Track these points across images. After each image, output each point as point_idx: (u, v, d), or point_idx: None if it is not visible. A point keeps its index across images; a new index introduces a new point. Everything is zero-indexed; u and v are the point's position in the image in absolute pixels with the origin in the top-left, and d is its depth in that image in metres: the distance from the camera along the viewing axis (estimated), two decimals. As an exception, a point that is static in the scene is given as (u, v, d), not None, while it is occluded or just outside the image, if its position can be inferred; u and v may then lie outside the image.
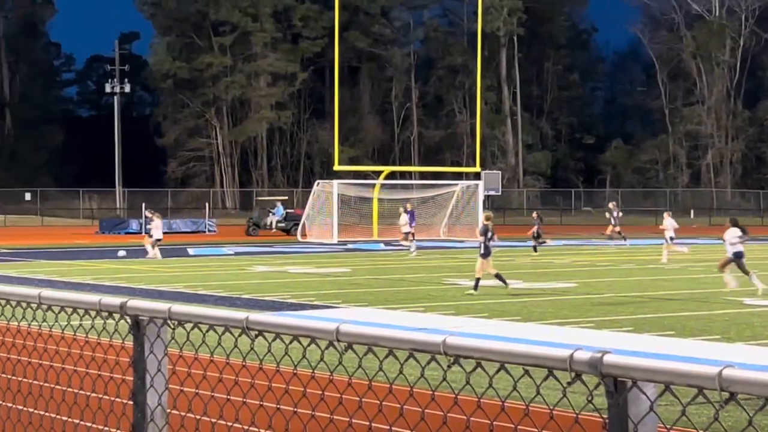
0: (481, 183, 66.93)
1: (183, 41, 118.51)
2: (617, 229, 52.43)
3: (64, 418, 5.13)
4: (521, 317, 23.26)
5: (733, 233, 29.20)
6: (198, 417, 4.45)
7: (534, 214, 53.30)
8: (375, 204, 63.52)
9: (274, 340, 3.93)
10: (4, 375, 5.59)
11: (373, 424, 3.81)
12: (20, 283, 30.23)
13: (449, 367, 3.42)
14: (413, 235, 49.37)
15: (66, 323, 4.85)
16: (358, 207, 65.95)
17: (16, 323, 4.95)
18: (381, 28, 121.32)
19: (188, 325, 4.23)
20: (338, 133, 64.61)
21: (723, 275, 29.46)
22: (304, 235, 61.77)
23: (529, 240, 49.46)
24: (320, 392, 3.91)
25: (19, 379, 5.44)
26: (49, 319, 4.96)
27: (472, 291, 28.15)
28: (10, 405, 5.52)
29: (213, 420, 4.41)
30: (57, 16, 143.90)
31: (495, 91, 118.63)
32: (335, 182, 63.39)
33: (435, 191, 67.81)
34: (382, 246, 55.43)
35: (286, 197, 79.66)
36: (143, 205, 50.52)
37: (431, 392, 3.64)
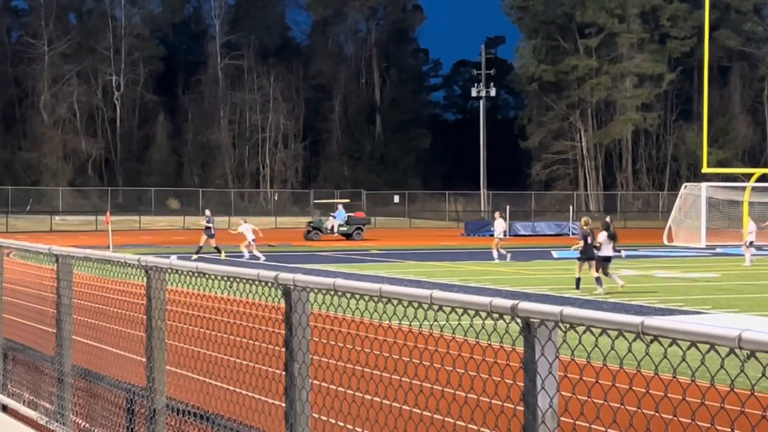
0: None
1: (548, 44, 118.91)
2: None
3: (454, 420, 5.19)
4: None
5: (602, 236, 30.73)
6: (590, 423, 4.39)
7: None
8: (746, 208, 61.45)
9: (670, 345, 3.82)
10: (395, 376, 5.73)
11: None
12: (390, 283, 31.16)
13: None
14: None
15: (456, 324, 4.90)
16: (727, 210, 64.03)
17: (407, 323, 5.06)
18: (753, 26, 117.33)
19: (580, 329, 4.18)
20: (707, 135, 62.96)
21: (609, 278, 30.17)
22: (670, 239, 60.62)
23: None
24: (719, 403, 3.77)
25: (410, 379, 5.56)
26: (440, 319, 5.04)
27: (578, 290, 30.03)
28: (401, 405, 5.65)
29: (605, 428, 4.34)
30: (426, 23, 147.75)
31: None
32: (703, 185, 61.85)
33: (810, 194, 64.91)
34: (753, 251, 53.60)
35: (348, 200, 75.31)
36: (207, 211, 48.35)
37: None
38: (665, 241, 60.24)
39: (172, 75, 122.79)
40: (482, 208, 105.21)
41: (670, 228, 61.84)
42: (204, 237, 45.86)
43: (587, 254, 30.84)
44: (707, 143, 63.18)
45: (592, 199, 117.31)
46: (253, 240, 45.00)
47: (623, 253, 36.92)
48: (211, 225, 45.81)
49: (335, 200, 73.62)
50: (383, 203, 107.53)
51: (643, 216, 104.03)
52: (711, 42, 64.88)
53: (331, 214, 66.14)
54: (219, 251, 45.10)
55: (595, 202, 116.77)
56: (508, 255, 44.01)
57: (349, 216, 65.90)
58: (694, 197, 61.70)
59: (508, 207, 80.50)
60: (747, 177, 70.13)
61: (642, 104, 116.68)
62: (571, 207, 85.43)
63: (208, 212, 47.66)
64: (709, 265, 43.65)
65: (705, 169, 63.58)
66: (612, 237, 30.91)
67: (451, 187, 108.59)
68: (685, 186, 64.91)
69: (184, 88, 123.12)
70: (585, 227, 32.11)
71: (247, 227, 45.46)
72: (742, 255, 45.64)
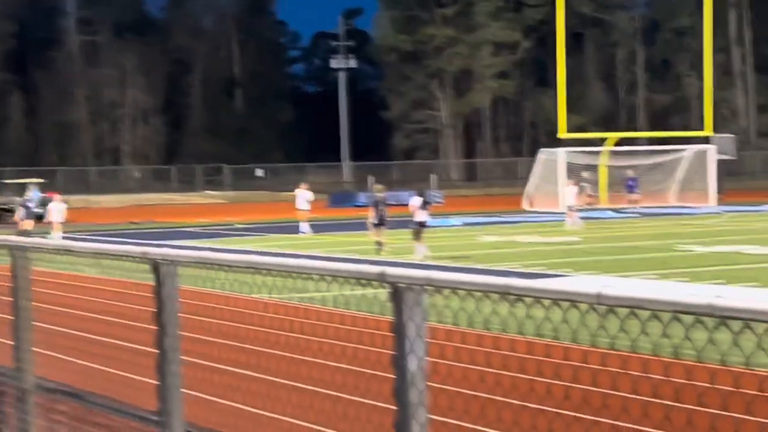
0: (712, 147, 65.34)
1: (406, 14, 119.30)
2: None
3: (326, 388, 5.28)
4: (760, 282, 22.64)
5: (416, 202, 32.64)
6: (457, 382, 4.52)
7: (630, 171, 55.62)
8: (602, 171, 62.79)
9: (533, 304, 3.95)
10: (266, 348, 5.80)
11: (637, 393, 3.81)
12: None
13: (715, 328, 3.38)
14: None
15: (327, 292, 4.98)
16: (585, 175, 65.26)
17: (277, 294, 5.12)
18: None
19: (446, 292, 4.29)
20: (563, 101, 64.04)
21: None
22: (530, 204, 61.58)
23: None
24: (582, 363, 3.92)
25: (281, 351, 5.63)
26: (311, 288, 5.11)
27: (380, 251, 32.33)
28: (274, 377, 5.71)
29: (472, 390, 4.47)
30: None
31: (724, 53, 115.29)
32: (561, 150, 62.90)
33: (663, 157, 66.54)
34: (610, 213, 54.80)
35: (42, 179, 68.56)
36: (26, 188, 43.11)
37: (696, 356, 3.60)
38: (525, 207, 61.18)
39: (24, 52, 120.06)
40: (345, 179, 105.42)
41: (528, 193, 62.82)
42: (21, 218, 43.07)
43: (378, 220, 33.30)
44: (564, 109, 64.26)
45: (453, 167, 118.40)
46: (60, 222, 42.11)
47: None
48: (31, 206, 43.20)
49: (28, 180, 65.73)
50: (246, 177, 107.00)
51: (503, 183, 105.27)
52: (565, 9, 65.88)
53: (24, 195, 59.55)
54: (28, 234, 39.92)
55: (456, 171, 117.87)
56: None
57: (42, 197, 59.17)
58: (554, 162, 62.72)
59: (370, 177, 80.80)
60: (603, 141, 71.57)
61: (499, 72, 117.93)
62: (431, 176, 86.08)
63: (30, 190, 44.90)
64: (569, 229, 44.48)
65: (561, 135, 64.71)
66: (425, 204, 32.74)
67: (314, 160, 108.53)
68: (541, 151, 65.97)
69: (38, 66, 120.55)
70: (378, 194, 34.56)
71: (58, 207, 42.67)
72: (601, 218, 46.56)
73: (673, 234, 39.40)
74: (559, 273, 25.70)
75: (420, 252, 31.00)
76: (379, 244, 32.80)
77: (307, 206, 45.23)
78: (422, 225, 31.74)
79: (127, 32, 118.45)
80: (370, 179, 72.82)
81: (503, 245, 36.13)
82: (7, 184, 69.02)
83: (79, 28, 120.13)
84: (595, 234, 40.99)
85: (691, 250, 31.29)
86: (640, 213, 54.50)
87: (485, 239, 39.21)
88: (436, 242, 38.15)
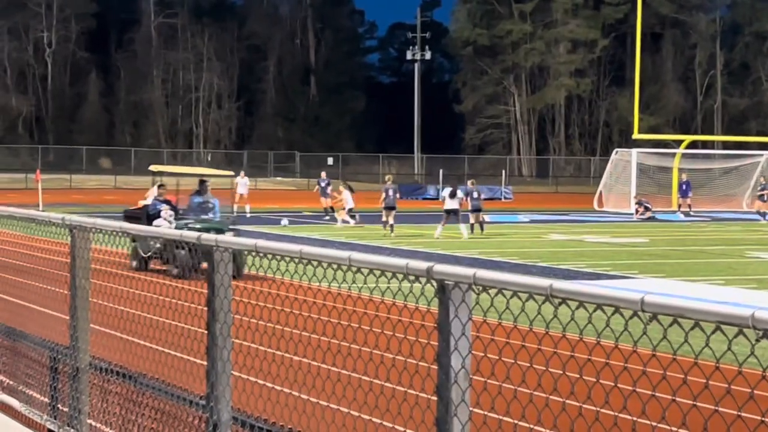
0: (787, 153, 64.47)
1: (484, 8, 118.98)
2: None
3: (371, 379, 5.29)
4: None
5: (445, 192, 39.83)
6: (500, 381, 4.51)
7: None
8: (675, 174, 62.19)
9: (577, 308, 3.93)
10: (314, 335, 5.82)
11: (676, 398, 3.78)
12: (321, 245, 31.21)
13: (757, 341, 3.35)
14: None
15: (374, 285, 5.00)
16: (656, 176, 64.73)
17: (327, 285, 5.14)
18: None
19: (492, 291, 4.28)
20: (638, 101, 63.49)
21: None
22: (600, 204, 61.17)
23: None
24: (623, 363, 3.90)
25: (329, 339, 5.65)
26: (359, 281, 5.12)
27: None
28: (320, 363, 5.73)
29: (515, 386, 4.46)
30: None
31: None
32: (634, 151, 62.41)
33: (738, 161, 65.75)
34: (680, 216, 54.29)
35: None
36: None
37: (737, 367, 3.57)
38: (596, 206, 60.77)
39: (104, 33, 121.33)
40: (416, 171, 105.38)
41: (600, 193, 62.40)
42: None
43: (388, 204, 39.36)
44: (639, 109, 63.73)
45: (524, 163, 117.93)
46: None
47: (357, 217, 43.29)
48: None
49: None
50: (317, 165, 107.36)
51: (574, 181, 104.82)
52: (644, 8, 65.30)
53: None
54: None
55: (527, 167, 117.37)
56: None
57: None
58: (625, 163, 62.25)
59: (441, 170, 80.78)
60: (677, 143, 70.90)
61: (575, 70, 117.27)
62: (503, 171, 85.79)
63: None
64: (638, 230, 44.17)
65: (636, 135, 64.17)
66: (453, 194, 37.74)
67: (385, 150, 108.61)
68: (616, 152, 65.48)
69: (117, 46, 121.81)
70: (388, 182, 41.76)
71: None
72: (671, 221, 46.08)
73: (744, 240, 38.97)
74: (624, 274, 25.50)
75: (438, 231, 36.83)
76: (390, 226, 38.41)
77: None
78: (449, 212, 37.13)
79: (205, 16, 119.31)
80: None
81: (570, 244, 35.94)
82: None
83: (158, 10, 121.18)
84: (663, 236, 40.65)
85: (761, 257, 30.91)
86: (710, 217, 53.96)
87: (552, 237, 39.03)
88: (501, 238, 38.08)
